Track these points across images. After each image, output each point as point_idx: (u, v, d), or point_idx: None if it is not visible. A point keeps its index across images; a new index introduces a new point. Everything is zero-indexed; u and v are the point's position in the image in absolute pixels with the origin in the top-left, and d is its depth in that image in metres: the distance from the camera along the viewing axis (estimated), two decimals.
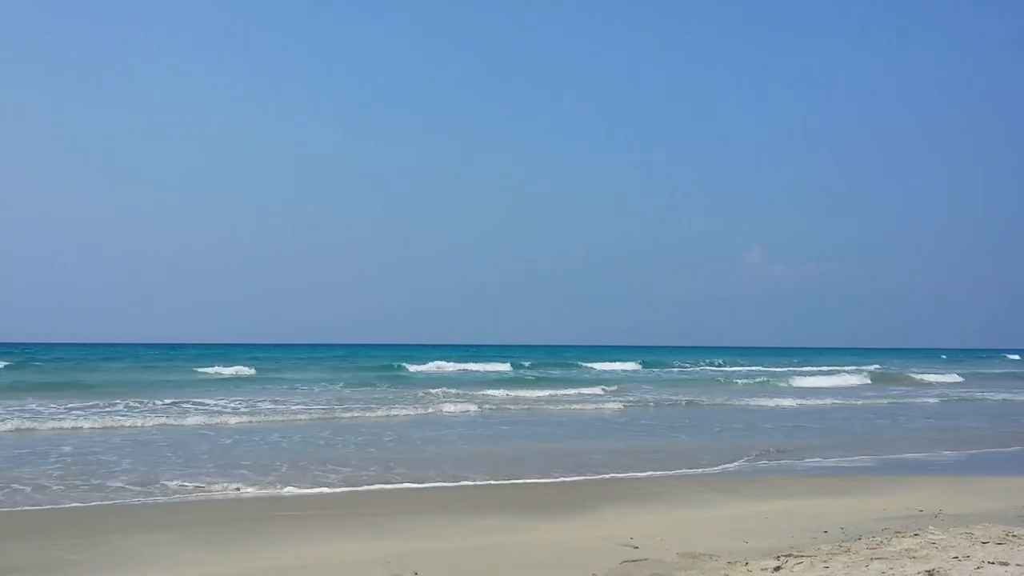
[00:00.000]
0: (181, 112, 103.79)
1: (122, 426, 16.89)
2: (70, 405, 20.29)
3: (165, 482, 10.62)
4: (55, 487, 10.29)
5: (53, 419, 17.36)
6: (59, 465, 11.89)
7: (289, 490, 10.29)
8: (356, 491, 10.37)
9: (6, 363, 39.63)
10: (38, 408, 19.76)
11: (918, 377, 43.94)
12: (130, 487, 10.34)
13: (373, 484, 10.80)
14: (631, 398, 26.84)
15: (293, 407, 21.18)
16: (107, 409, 19.78)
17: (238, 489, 10.28)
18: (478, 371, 43.44)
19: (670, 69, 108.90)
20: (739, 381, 38.25)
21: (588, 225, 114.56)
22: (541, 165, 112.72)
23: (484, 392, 27.54)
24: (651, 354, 67.75)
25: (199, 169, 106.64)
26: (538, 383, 33.71)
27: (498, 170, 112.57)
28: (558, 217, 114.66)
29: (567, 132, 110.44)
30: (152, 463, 12.19)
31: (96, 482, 10.61)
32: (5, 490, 10.06)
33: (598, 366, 48.54)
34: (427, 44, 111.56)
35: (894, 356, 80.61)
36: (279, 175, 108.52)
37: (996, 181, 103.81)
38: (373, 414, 20.27)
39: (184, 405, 21.25)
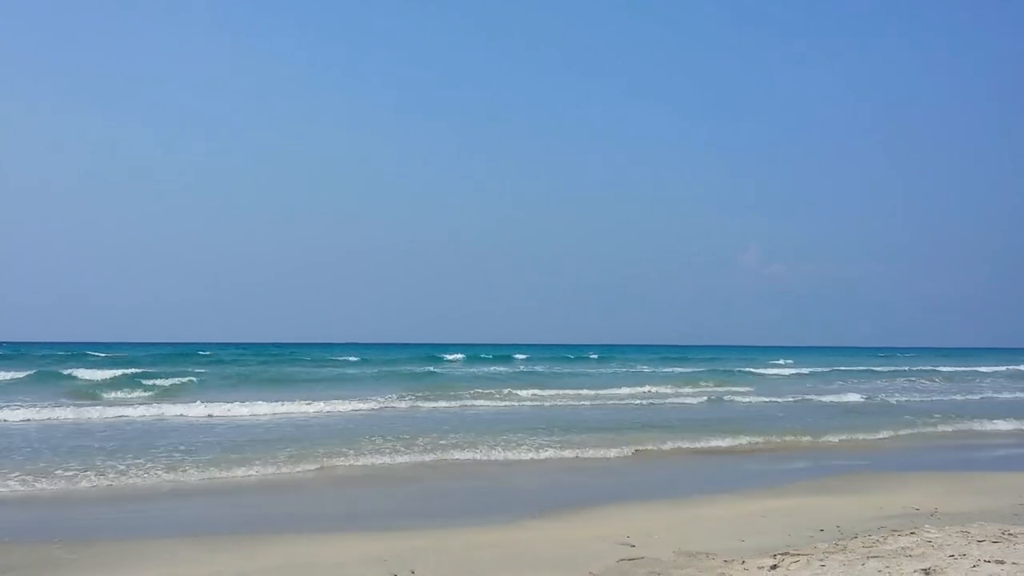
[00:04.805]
0: (192, 110, 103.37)
1: None
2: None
3: None
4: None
5: None
6: None
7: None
8: (355, 490, 10.37)
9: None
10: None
11: None
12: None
13: None
14: None
15: None
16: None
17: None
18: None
19: (670, 70, 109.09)
20: None
21: (587, 224, 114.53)
22: (540, 165, 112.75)
23: None
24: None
25: (211, 168, 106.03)
26: None
27: (496, 169, 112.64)
28: (556, 217, 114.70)
29: (567, 132, 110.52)
30: None
31: None
32: None
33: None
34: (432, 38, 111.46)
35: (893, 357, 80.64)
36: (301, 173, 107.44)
37: (997, 182, 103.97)
38: None
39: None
